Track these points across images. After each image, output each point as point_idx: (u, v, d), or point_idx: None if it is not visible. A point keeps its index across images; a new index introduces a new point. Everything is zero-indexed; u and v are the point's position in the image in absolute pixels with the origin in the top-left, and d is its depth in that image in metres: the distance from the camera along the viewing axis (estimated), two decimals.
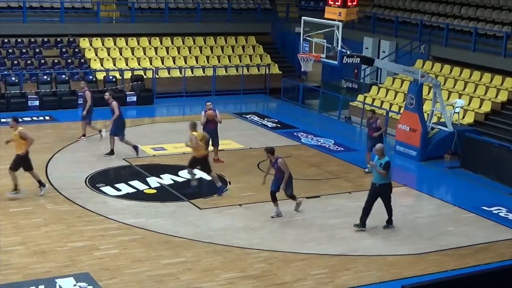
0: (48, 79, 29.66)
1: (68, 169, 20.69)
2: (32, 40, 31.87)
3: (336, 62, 23.34)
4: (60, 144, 23.16)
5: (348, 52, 23.13)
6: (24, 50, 31.31)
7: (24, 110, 27.64)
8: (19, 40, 31.55)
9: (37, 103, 28.35)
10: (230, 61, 33.89)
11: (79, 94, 25.87)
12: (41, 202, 17.82)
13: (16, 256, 14.64)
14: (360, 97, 29.20)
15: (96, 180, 19.74)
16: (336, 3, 23.82)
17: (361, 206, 18.57)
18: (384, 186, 16.70)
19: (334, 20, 23.46)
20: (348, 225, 17.32)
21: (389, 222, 17.19)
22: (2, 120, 25.77)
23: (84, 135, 24.11)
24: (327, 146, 24.40)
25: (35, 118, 26.68)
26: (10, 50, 31.08)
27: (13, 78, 29.07)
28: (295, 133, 25.93)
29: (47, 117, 26.99)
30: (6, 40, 31.33)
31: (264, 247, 15.71)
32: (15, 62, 30.42)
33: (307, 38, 24.04)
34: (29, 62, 30.68)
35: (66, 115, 27.33)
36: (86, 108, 23.81)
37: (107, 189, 19.07)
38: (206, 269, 14.58)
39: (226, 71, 33.25)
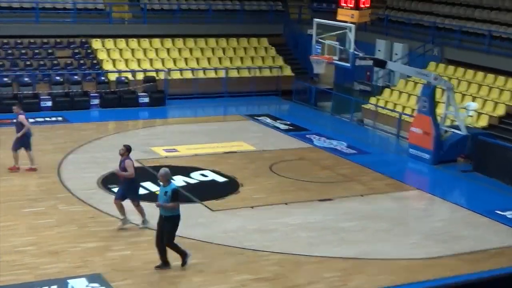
0: (61, 80, 29.71)
1: (80, 170, 20.68)
2: (45, 41, 31.93)
3: (348, 64, 23.30)
4: (72, 145, 23.16)
5: (361, 54, 23.08)
6: (37, 51, 31.37)
7: (36, 110, 27.68)
8: (32, 41, 31.62)
9: (49, 103, 28.41)
10: (242, 63, 33.85)
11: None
12: (54, 203, 17.82)
13: (29, 256, 14.63)
14: (373, 100, 29.08)
15: (109, 181, 19.72)
16: (349, 5, 23.76)
17: (374, 209, 18.59)
18: (170, 219, 14.06)
19: (346, 22, 23.40)
20: (360, 228, 17.25)
21: (183, 257, 14.47)
22: (15, 121, 25.79)
23: None
24: (339, 148, 24.32)
25: (47, 119, 26.72)
26: (23, 51, 31.15)
27: (26, 79, 29.13)
28: (307, 136, 25.86)
29: (59, 118, 27.02)
30: (19, 41, 31.40)
31: (276, 250, 15.64)
32: (28, 63, 30.49)
33: (320, 40, 24.01)
34: (41, 63, 30.75)
35: (78, 116, 27.36)
36: None
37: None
38: (218, 271, 14.52)
39: (238, 73, 33.20)
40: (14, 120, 20.70)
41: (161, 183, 14.28)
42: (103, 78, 30.48)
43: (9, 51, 31.01)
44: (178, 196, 14.13)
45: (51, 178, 19.80)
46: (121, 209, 16.23)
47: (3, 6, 31.78)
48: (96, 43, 32.53)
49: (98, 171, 20.58)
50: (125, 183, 16.17)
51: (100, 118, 28.19)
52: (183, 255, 14.48)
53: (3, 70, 29.86)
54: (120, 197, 16.21)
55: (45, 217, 16.88)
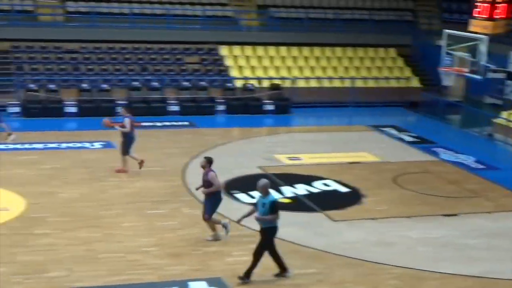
0: (189, 85, 30.30)
1: None
2: (174, 47, 32.64)
3: (479, 77, 22.57)
4: (198, 149, 23.48)
5: (493, 67, 22.32)
6: (166, 57, 32.11)
7: (164, 114, 28.37)
8: (161, 46, 32.39)
9: (177, 108, 29.00)
10: (368, 73, 33.50)
11: None
12: (177, 206, 18.09)
13: (152, 257, 14.88)
14: (505, 114, 28.06)
15: (231, 186, 19.85)
16: (483, 16, 23.03)
17: (501, 227, 17.86)
18: (267, 231, 13.77)
19: (479, 33, 22.70)
20: (486, 246, 16.59)
21: (247, 276, 13.87)
22: (144, 124, 26.47)
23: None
24: (467, 163, 23.57)
25: (175, 123, 27.27)
26: (153, 56, 31.95)
27: (155, 83, 29.86)
28: (433, 149, 25.22)
29: (186, 122, 27.53)
30: (149, 46, 32.23)
31: (397, 263, 15.27)
32: (157, 68, 31.26)
33: (450, 51, 23.39)
34: (170, 68, 31.46)
35: (204, 121, 27.82)
36: None
37: (241, 196, 19.13)
38: (338, 281, 14.30)
39: (364, 83, 32.86)
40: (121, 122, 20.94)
41: (260, 194, 13.99)
42: (229, 84, 30.86)
43: (140, 56, 31.89)
44: (277, 208, 13.84)
45: (176, 181, 20.13)
46: (213, 224, 15.96)
47: (135, 12, 32.73)
48: (223, 50, 32.97)
49: (221, 176, 20.69)
50: (211, 197, 15.75)
51: (225, 124, 28.57)
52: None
53: (134, 74, 30.74)
54: (210, 213, 15.82)
55: (168, 219, 17.14)
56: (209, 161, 15.76)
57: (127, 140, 20.55)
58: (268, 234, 13.85)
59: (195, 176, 20.64)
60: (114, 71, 30.98)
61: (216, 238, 15.96)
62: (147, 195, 18.76)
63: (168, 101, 29.32)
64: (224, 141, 25.03)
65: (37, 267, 14.06)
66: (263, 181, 13.94)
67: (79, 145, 23.62)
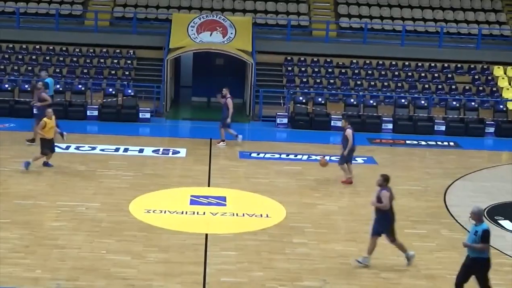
0: (457, 105, 29.49)
1: (468, 197, 20.18)
2: (446, 65, 31.98)
3: None
4: (462, 171, 22.75)
5: None
6: (436, 75, 31.54)
7: (430, 133, 27.98)
8: (432, 64, 31.91)
9: (443, 128, 28.38)
10: None
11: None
12: (436, 227, 17.55)
13: (406, 277, 14.49)
14: None
15: (495, 212, 18.91)
16: None
17: None
18: (477, 261, 12.79)
19: None
20: None
21: None
22: (408, 142, 26.26)
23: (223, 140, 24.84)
24: None
25: (439, 143, 26.70)
26: (423, 74, 31.58)
27: (422, 102, 29.42)
28: None
29: (452, 143, 26.84)
30: (420, 64, 31.85)
31: None
32: (426, 86, 30.81)
33: None
34: (440, 86, 30.85)
35: (471, 143, 26.94)
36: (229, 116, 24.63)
37: (506, 223, 18.16)
38: None
39: None
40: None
41: (473, 221, 13.02)
42: (501, 106, 29.63)
43: (409, 73, 31.60)
44: (488, 237, 12.82)
45: (437, 202, 19.61)
46: (372, 246, 14.99)
47: (408, 30, 32.52)
48: (498, 70, 31.75)
49: (486, 200, 19.88)
50: (378, 216, 14.95)
51: (493, 147, 27.50)
52: None
53: (401, 91, 30.55)
54: (375, 233, 15.00)
55: (427, 240, 16.70)
56: (385, 179, 14.98)
57: (348, 152, 20.73)
58: (478, 265, 12.89)
59: (457, 198, 20.07)
60: (382, 88, 30.95)
61: (364, 261, 14.96)
62: (406, 214, 18.38)
63: (435, 120, 28.75)
64: (491, 165, 24.02)
65: (292, 275, 14.30)
66: (477, 207, 13.09)
67: None
